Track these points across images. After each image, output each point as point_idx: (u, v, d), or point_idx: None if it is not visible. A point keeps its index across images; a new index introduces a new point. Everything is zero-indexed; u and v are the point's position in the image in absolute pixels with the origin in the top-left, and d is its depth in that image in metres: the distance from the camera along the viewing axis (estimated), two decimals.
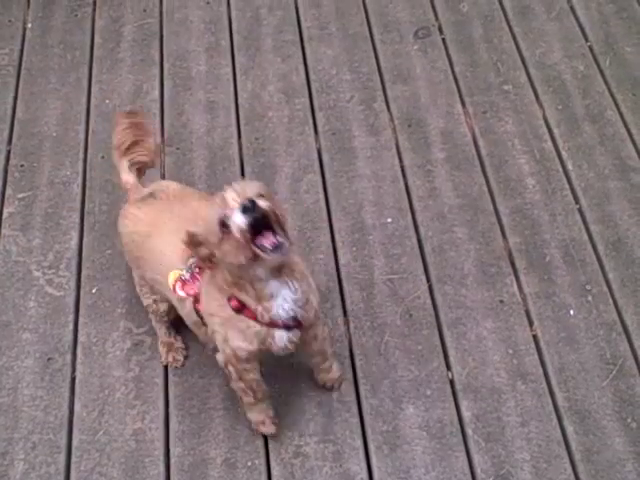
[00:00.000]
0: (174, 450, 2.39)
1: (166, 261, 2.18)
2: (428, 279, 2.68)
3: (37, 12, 3.61)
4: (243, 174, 3.00)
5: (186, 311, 2.21)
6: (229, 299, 2.02)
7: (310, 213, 2.87)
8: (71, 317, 2.66)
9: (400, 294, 2.64)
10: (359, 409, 2.43)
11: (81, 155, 3.11)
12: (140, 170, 2.46)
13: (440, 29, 3.43)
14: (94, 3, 3.65)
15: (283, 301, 2.01)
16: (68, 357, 2.58)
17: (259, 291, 1.98)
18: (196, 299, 2.13)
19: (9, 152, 3.14)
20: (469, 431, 2.37)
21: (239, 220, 1.81)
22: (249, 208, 1.80)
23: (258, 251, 1.84)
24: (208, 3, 3.61)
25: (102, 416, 2.46)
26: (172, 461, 2.38)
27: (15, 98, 3.32)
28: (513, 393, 2.42)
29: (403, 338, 2.55)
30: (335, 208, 2.88)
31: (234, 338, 2.08)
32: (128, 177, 2.41)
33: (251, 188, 1.87)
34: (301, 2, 3.58)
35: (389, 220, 2.83)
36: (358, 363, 2.51)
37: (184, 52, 3.43)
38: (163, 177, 3.01)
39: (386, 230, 2.80)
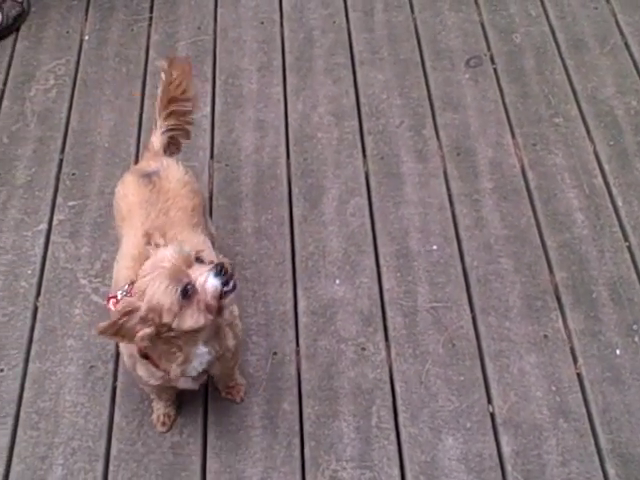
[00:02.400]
0: (211, 466, 2.40)
1: (121, 256, 2.27)
2: (472, 309, 2.67)
3: (95, 24, 3.68)
4: (290, 194, 3.02)
5: None
6: None
7: (355, 236, 2.88)
8: None
9: (443, 323, 2.64)
10: (397, 437, 2.42)
11: (132, 167, 3.14)
12: (174, 142, 2.53)
13: (492, 59, 3.43)
14: (150, 18, 3.70)
15: (199, 364, 2.11)
16: (110, 366, 2.60)
17: (184, 355, 2.05)
18: None
19: (62, 160, 3.19)
20: (508, 467, 2.35)
21: (215, 283, 1.93)
22: (221, 273, 1.93)
23: (224, 301, 1.96)
24: (262, 23, 3.65)
25: (141, 427, 2.48)
26: (208, 477, 2.39)
27: (70, 108, 3.37)
28: (555, 431, 2.40)
29: (445, 367, 2.54)
30: (381, 233, 2.88)
31: (140, 369, 2.17)
32: (157, 140, 2.48)
33: (184, 249, 1.96)
34: (354, 26, 3.60)
35: (434, 247, 2.82)
36: (398, 390, 2.51)
37: (236, 70, 3.47)
38: (211, 193, 3.03)
39: (431, 257, 2.80)
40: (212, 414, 2.50)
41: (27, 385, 2.59)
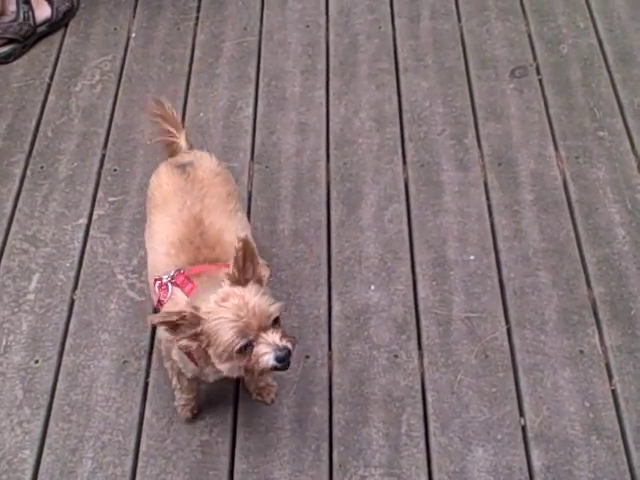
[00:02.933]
0: (239, 466, 2.40)
1: (156, 243, 2.30)
2: (507, 321, 2.64)
3: (142, 22, 3.72)
4: (329, 198, 3.02)
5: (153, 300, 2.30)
6: None
7: (392, 243, 2.87)
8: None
9: (477, 333, 2.61)
10: (427, 446, 2.40)
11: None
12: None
13: (538, 69, 3.40)
14: (197, 18, 3.73)
15: (234, 369, 2.08)
16: (143, 362, 2.62)
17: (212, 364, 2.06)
18: (160, 302, 2.18)
19: (104, 156, 3.23)
20: None
21: (270, 365, 1.95)
22: (283, 358, 1.93)
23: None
24: (308, 26, 3.65)
25: (171, 424, 2.49)
26: (236, 477, 2.39)
27: (114, 104, 3.41)
28: (587, 447, 2.36)
29: (477, 378, 2.51)
30: (418, 240, 2.87)
31: (175, 355, 2.19)
32: (183, 143, 2.53)
33: (274, 310, 1.96)
34: (399, 32, 3.60)
35: (472, 257, 2.80)
36: (430, 399, 2.49)
37: (280, 72, 3.48)
38: (250, 194, 3.04)
39: (468, 267, 2.78)
40: (242, 415, 2.50)
41: (61, 377, 2.62)
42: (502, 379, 2.51)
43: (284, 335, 1.96)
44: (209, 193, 2.33)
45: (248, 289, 1.97)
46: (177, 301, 2.11)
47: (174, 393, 2.46)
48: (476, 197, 2.97)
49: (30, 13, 3.56)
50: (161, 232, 2.31)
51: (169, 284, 2.14)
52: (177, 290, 2.13)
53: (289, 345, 1.95)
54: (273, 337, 1.94)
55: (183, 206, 2.29)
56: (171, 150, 2.55)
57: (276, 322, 1.98)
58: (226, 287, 1.97)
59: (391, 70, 3.45)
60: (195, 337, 1.96)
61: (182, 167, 2.38)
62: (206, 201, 2.31)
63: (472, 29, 3.57)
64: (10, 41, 3.56)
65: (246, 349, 1.93)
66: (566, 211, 2.92)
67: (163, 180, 2.39)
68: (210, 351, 1.96)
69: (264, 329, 1.94)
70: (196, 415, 2.48)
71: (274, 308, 1.97)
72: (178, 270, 2.15)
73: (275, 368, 1.96)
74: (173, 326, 1.95)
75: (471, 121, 3.23)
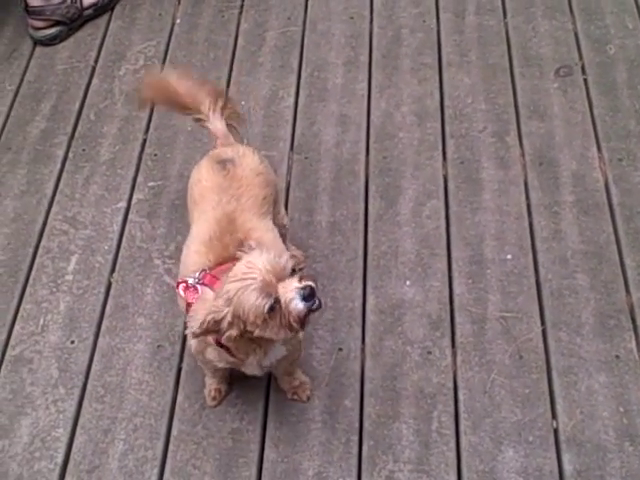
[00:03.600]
0: (268, 455, 2.41)
1: (190, 238, 2.31)
2: (543, 322, 2.62)
3: (187, 9, 3.73)
4: (367, 191, 3.01)
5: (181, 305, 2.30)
6: None
7: (429, 239, 2.86)
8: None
9: (512, 333, 2.60)
10: (457, 444, 2.40)
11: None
12: (231, 126, 2.56)
13: (583, 69, 3.36)
14: (241, 6, 3.74)
15: (274, 357, 2.17)
16: (177, 347, 2.64)
17: (263, 351, 2.11)
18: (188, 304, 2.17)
19: (145, 141, 3.25)
20: None
21: (301, 307, 1.93)
22: (309, 296, 1.91)
23: (308, 319, 1.97)
24: (352, 18, 3.64)
25: (203, 410, 2.51)
26: (265, 465, 2.40)
27: None
28: (619, 454, 2.34)
29: (510, 379, 2.50)
30: (455, 237, 2.85)
31: (210, 354, 2.19)
32: (219, 125, 2.50)
33: (285, 261, 1.95)
34: (443, 27, 3.57)
35: (509, 257, 2.78)
36: (461, 397, 2.48)
37: (323, 63, 3.48)
38: (288, 184, 3.05)
39: (505, 266, 2.76)
40: (273, 404, 2.51)
41: (96, 359, 2.65)
42: (536, 380, 2.49)
43: (302, 278, 1.94)
44: (246, 193, 2.30)
45: (253, 254, 1.97)
46: (207, 299, 2.08)
47: (205, 379, 2.48)
48: (515, 196, 2.95)
49: None
50: (195, 229, 2.32)
51: (197, 286, 2.12)
52: (207, 289, 2.11)
53: (310, 283, 1.93)
54: (290, 283, 1.92)
55: (218, 204, 2.27)
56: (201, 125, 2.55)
57: (294, 272, 1.97)
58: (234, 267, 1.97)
59: (434, 65, 3.43)
60: (231, 325, 1.96)
61: (223, 163, 2.35)
62: (242, 200, 2.29)
63: (517, 26, 3.53)
64: (57, 23, 3.60)
65: (274, 308, 1.91)
66: (607, 214, 2.88)
67: (203, 176, 2.38)
68: (249, 327, 1.95)
69: (282, 279, 1.93)
70: (222, 401, 2.49)
71: (284, 259, 1.95)
72: (203, 270, 2.14)
73: (308, 310, 1.93)
74: (212, 331, 1.97)
75: (513, 119, 3.20)
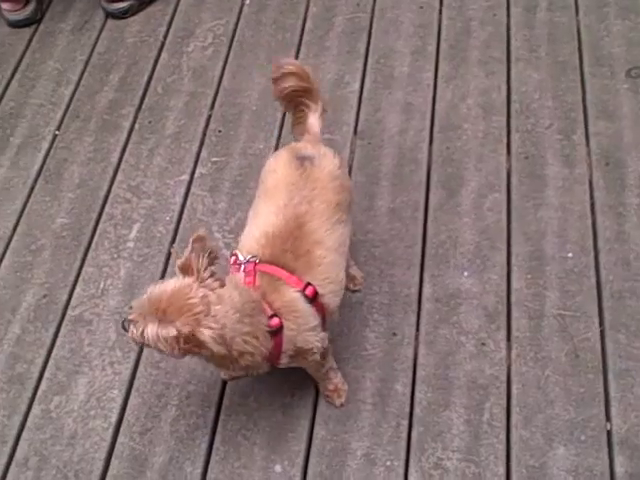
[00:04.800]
0: (318, 432, 2.43)
1: (253, 226, 2.26)
2: (601, 323, 2.59)
3: None
4: (429, 180, 3.01)
5: None
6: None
7: (489, 231, 2.85)
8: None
9: (569, 332, 2.58)
10: (507, 437, 2.39)
11: (276, 132, 3.21)
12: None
13: None
14: None
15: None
16: None
17: None
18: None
19: (210, 117, 3.28)
20: None
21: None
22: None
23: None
24: (421, 7, 3.63)
25: (255, 382, 2.53)
26: (314, 442, 2.42)
27: (224, 67, 3.47)
28: None
29: (565, 377, 2.48)
30: (516, 232, 2.83)
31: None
32: (315, 122, 2.43)
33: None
34: (514, 21, 3.54)
35: (570, 255, 2.76)
36: (515, 391, 2.47)
37: (390, 51, 3.47)
38: (350, 169, 3.05)
39: (565, 264, 2.74)
40: None
41: None
42: (591, 381, 2.47)
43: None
44: (319, 197, 2.23)
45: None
46: (235, 282, 2.09)
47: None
48: (580, 195, 2.92)
49: None
50: (262, 218, 2.25)
51: (242, 264, 2.13)
52: (241, 275, 2.12)
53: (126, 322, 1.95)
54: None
55: (290, 202, 2.21)
56: (298, 120, 2.46)
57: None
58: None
59: (502, 59, 3.40)
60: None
61: (301, 160, 2.28)
62: (314, 204, 2.21)
63: (590, 24, 3.48)
64: None
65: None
66: None
67: (279, 167, 2.30)
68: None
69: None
70: (235, 379, 2.50)
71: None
72: (254, 258, 2.13)
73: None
74: None
75: (581, 117, 3.16)
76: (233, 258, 2.19)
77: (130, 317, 1.94)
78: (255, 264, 2.14)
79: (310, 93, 2.41)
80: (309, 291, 2.14)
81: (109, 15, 3.69)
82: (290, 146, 2.39)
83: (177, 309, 1.86)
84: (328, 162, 2.33)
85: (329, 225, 2.23)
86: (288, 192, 2.24)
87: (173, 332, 1.85)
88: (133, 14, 3.70)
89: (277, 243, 2.17)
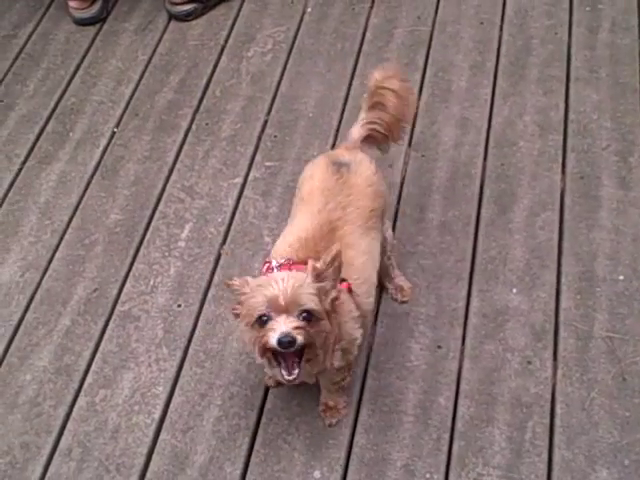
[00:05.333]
0: (358, 440, 2.44)
1: (287, 232, 2.31)
2: None
3: None
4: (481, 195, 3.00)
5: None
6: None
7: (540, 250, 2.83)
8: None
9: (617, 355, 2.55)
10: (549, 457, 2.37)
11: (330, 140, 3.23)
12: (373, 136, 2.50)
13: None
14: (372, 1, 3.77)
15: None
16: None
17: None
18: None
19: (266, 122, 3.32)
20: None
21: (271, 342, 1.97)
22: (285, 344, 1.95)
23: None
24: (482, 23, 3.63)
25: (298, 388, 2.53)
26: (354, 450, 2.42)
27: (282, 73, 3.50)
28: None
29: (611, 400, 2.45)
30: (567, 252, 2.81)
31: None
32: (356, 131, 2.46)
33: (301, 299, 1.97)
34: (575, 41, 3.52)
35: (621, 277, 2.73)
36: (559, 411, 2.45)
37: (448, 65, 3.47)
38: (403, 180, 3.06)
39: (616, 287, 2.71)
40: (368, 392, 2.53)
41: (200, 325, 2.72)
42: (637, 405, 2.44)
43: (300, 327, 1.95)
44: (354, 203, 2.27)
45: (300, 274, 2.00)
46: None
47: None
48: (634, 217, 2.89)
49: None
50: (296, 224, 2.30)
51: (275, 268, 2.15)
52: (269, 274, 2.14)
53: (298, 337, 1.94)
54: (287, 322, 1.95)
55: (324, 207, 2.25)
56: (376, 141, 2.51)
57: (307, 313, 1.97)
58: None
59: (562, 78, 3.38)
60: (240, 304, 2.03)
61: (338, 166, 2.32)
62: (348, 210, 2.25)
63: None
64: (193, 0, 3.70)
65: (265, 323, 1.96)
66: None
67: (316, 173, 2.35)
68: (241, 313, 2.02)
69: (287, 312, 1.95)
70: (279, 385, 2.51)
71: (306, 299, 1.97)
72: (289, 259, 2.16)
73: (278, 348, 1.96)
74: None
75: (639, 140, 3.13)
76: (267, 265, 2.19)
77: None
78: (290, 264, 2.15)
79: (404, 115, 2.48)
80: (345, 285, 2.17)
81: (172, 17, 3.76)
82: (328, 153, 2.44)
83: None
84: (364, 168, 2.36)
85: (362, 230, 2.27)
86: (323, 198, 2.27)
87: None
88: (196, 17, 3.76)
89: (310, 246, 2.20)
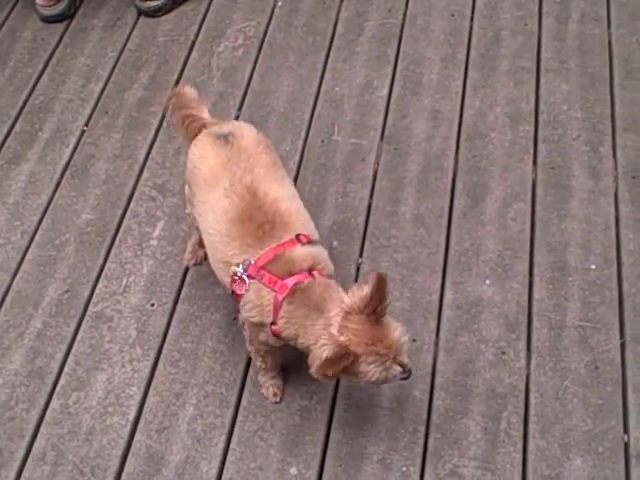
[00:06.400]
0: (334, 435, 2.44)
1: (213, 222, 2.22)
2: (622, 335, 2.58)
3: None
4: (454, 188, 3.01)
5: (225, 285, 2.29)
6: (272, 323, 2.16)
7: (512, 241, 2.84)
8: None
9: (590, 343, 2.57)
10: (524, 446, 2.38)
11: (302, 135, 3.22)
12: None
13: None
14: None
15: None
16: None
17: None
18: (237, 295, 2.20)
19: (238, 117, 3.30)
20: None
21: (396, 380, 2.12)
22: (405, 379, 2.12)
23: None
24: (452, 15, 3.63)
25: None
26: (330, 445, 2.42)
27: (253, 69, 3.48)
28: None
29: (584, 388, 2.47)
30: (539, 242, 2.82)
31: (264, 337, 2.25)
32: (207, 114, 2.48)
33: (404, 340, 2.08)
34: (545, 32, 3.53)
35: (593, 267, 2.74)
36: (533, 401, 2.46)
37: (419, 58, 3.47)
38: (375, 173, 3.06)
39: (587, 276, 2.73)
40: (343, 387, 2.53)
41: (173, 324, 2.71)
42: (610, 393, 2.46)
43: (402, 359, 2.09)
44: (257, 162, 2.25)
45: (389, 326, 2.04)
46: (262, 295, 2.12)
47: (258, 378, 2.50)
48: (604, 207, 2.90)
49: None
50: (216, 210, 2.22)
51: (244, 277, 2.13)
52: (254, 282, 2.13)
53: (410, 367, 2.11)
54: (400, 363, 2.07)
55: (234, 178, 2.21)
56: (193, 128, 2.46)
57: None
58: (366, 323, 2.02)
59: (532, 69, 3.39)
60: (345, 370, 2.02)
61: (224, 137, 2.29)
62: (256, 171, 2.23)
63: (621, 37, 3.47)
64: None
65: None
66: None
67: (208, 152, 2.29)
68: (352, 373, 2.05)
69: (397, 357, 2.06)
70: (283, 397, 2.52)
71: (405, 339, 2.07)
72: (247, 261, 2.13)
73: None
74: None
75: (609, 130, 3.14)
76: (236, 282, 2.17)
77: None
78: (255, 267, 2.13)
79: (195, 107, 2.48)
80: (304, 239, 2.17)
81: (141, 13, 3.72)
82: (206, 131, 2.38)
83: None
84: (247, 130, 2.35)
85: (278, 182, 2.27)
86: (227, 171, 2.23)
87: None
88: (165, 13, 3.73)
89: (248, 224, 2.16)
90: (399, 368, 2.05)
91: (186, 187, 2.48)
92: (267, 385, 2.49)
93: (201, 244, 2.59)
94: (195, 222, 2.46)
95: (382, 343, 2.00)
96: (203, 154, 2.31)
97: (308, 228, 2.25)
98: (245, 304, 2.19)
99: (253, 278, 2.14)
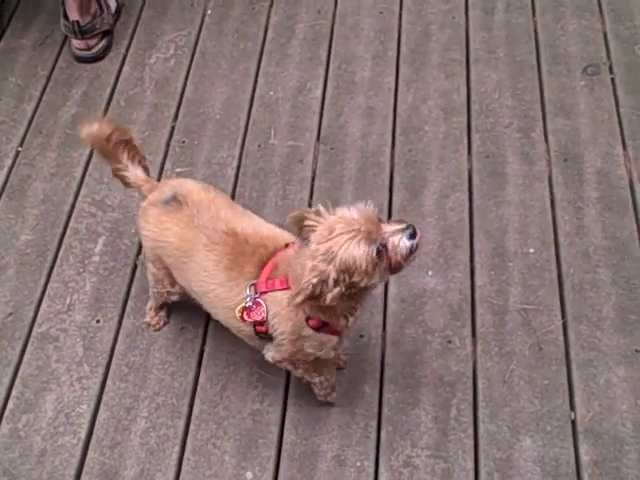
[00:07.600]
0: (288, 437, 2.45)
1: (209, 278, 2.20)
2: (563, 315, 2.63)
3: (218, 0, 3.77)
4: (392, 183, 3.04)
5: (244, 334, 2.26)
6: (307, 319, 2.09)
7: (452, 230, 2.88)
8: None
9: (533, 325, 2.61)
10: (475, 432, 2.42)
11: (239, 141, 3.23)
12: (144, 167, 2.45)
13: (611, 68, 3.36)
14: None
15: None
16: (200, 330, 2.68)
17: (361, 306, 2.12)
18: (259, 323, 2.16)
19: (173, 128, 3.30)
20: (585, 475, 2.32)
21: (408, 245, 1.99)
22: (413, 233, 1.98)
23: (409, 259, 2.00)
24: (381, 13, 3.67)
25: (224, 391, 2.54)
26: (284, 447, 2.43)
27: (186, 78, 3.48)
28: (637, 446, 2.35)
29: (530, 370, 2.52)
30: (478, 230, 2.87)
31: (310, 348, 2.17)
32: (137, 171, 2.39)
33: (371, 210, 1.98)
34: (472, 24, 3.59)
35: (531, 250, 2.80)
36: (480, 386, 2.50)
37: (351, 56, 3.50)
38: (314, 174, 3.08)
39: (527, 260, 2.78)
40: (293, 387, 2.54)
41: (120, 338, 2.69)
42: (555, 372, 2.51)
43: (395, 220, 2.02)
44: (218, 207, 2.23)
45: (339, 211, 1.99)
46: (281, 300, 2.09)
47: (316, 392, 2.45)
48: (539, 191, 2.96)
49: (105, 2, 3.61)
50: (207, 267, 2.20)
51: (258, 300, 2.12)
52: (268, 297, 2.12)
53: (407, 222, 2.00)
54: (391, 226, 1.98)
55: (208, 231, 2.19)
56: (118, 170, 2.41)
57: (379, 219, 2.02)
58: (319, 227, 1.98)
59: (462, 61, 3.44)
60: (336, 282, 1.94)
61: (173, 200, 2.25)
62: (222, 214, 2.22)
63: (546, 24, 3.54)
64: (105, 34, 3.59)
65: (380, 251, 1.94)
66: (631, 211, 2.89)
67: (167, 222, 2.25)
68: (356, 278, 1.94)
69: (379, 226, 1.97)
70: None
71: (371, 207, 1.98)
72: (252, 285, 2.12)
73: (412, 249, 1.99)
74: (316, 296, 1.95)
75: (539, 115, 3.21)
76: (244, 312, 2.15)
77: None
78: (263, 282, 2.12)
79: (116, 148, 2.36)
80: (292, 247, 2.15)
81: (89, 61, 3.57)
82: (151, 203, 2.32)
83: None
84: (189, 184, 2.32)
85: (245, 215, 2.27)
86: (198, 229, 2.20)
87: None
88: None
89: (242, 259, 2.16)
90: (394, 234, 1.97)
91: (150, 265, 2.44)
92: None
93: (160, 307, 2.63)
94: (172, 291, 2.47)
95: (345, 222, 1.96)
96: (163, 227, 2.26)
97: (292, 239, 2.21)
98: (273, 320, 2.14)
99: (265, 292, 2.12)
